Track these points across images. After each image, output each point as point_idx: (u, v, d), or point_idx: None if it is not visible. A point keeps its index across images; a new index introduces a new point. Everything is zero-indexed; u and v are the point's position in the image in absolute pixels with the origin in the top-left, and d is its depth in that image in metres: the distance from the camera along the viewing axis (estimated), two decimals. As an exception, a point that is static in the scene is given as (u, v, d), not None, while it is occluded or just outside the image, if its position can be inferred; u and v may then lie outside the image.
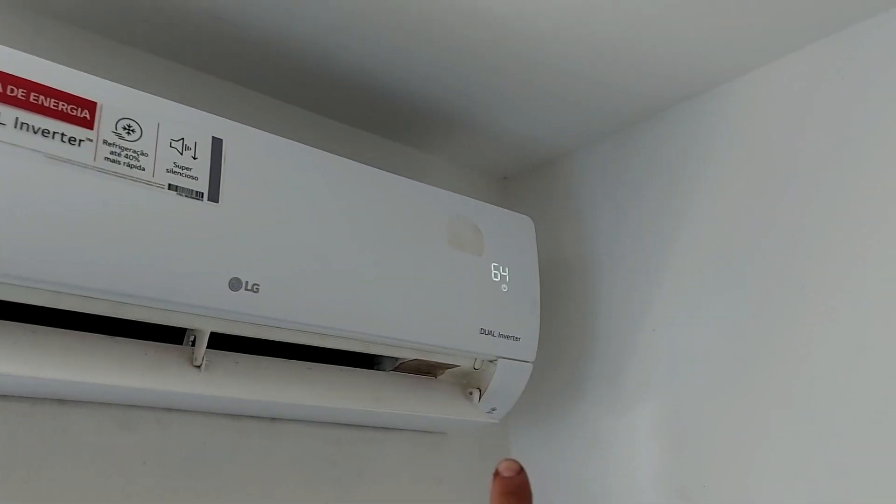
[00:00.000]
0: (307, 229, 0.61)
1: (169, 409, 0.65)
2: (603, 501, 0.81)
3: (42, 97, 0.50)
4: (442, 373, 0.74)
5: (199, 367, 0.58)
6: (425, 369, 0.73)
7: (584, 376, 0.86)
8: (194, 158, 0.56)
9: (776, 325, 0.70)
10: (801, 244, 0.70)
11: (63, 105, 0.51)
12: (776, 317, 0.71)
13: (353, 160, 0.66)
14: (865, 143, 0.68)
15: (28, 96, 0.50)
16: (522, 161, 0.98)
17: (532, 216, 0.80)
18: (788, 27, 0.71)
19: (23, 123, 0.49)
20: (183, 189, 0.55)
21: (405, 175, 0.70)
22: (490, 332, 0.71)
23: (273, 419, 0.72)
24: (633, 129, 0.88)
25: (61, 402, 0.60)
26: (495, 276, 0.73)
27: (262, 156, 0.60)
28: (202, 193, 0.56)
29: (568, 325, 0.89)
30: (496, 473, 0.38)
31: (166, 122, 0.56)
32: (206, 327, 0.57)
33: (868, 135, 0.68)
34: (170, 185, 0.54)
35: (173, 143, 0.56)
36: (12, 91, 0.49)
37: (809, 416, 0.67)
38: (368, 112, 0.85)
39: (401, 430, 0.80)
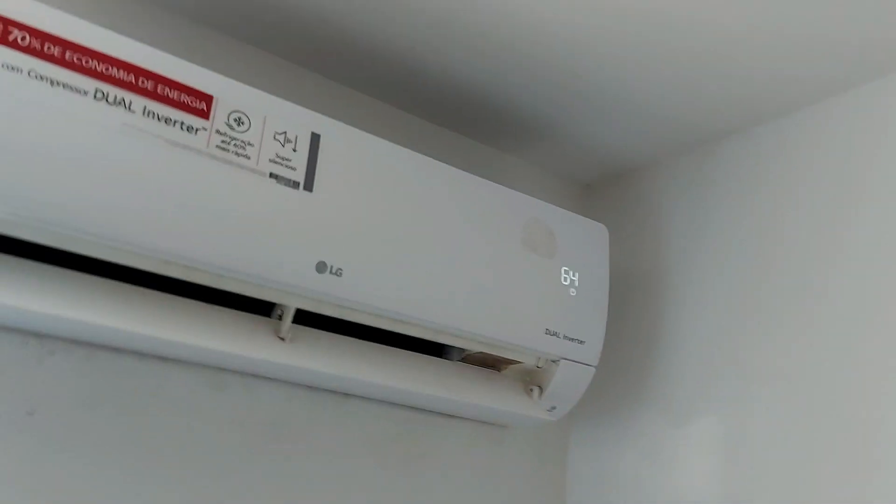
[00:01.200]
0: (391, 222, 0.66)
1: (255, 376, 0.72)
2: (655, 508, 0.83)
3: (167, 89, 0.57)
4: (506, 368, 0.77)
5: (283, 339, 0.64)
6: (490, 363, 0.77)
7: (647, 385, 0.88)
8: (294, 151, 0.62)
9: (845, 350, 0.71)
10: (878, 274, 0.70)
11: (184, 97, 0.58)
12: (846, 341, 0.71)
13: (439, 160, 0.71)
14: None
15: (155, 87, 0.57)
16: (605, 169, 1.01)
17: (610, 225, 0.82)
18: (886, 46, 0.71)
19: (149, 111, 0.56)
20: (282, 178, 0.61)
21: (488, 176, 0.74)
22: (555, 333, 0.74)
23: (347, 395, 0.77)
24: (716, 144, 0.89)
25: (163, 359, 0.67)
26: (565, 279, 0.76)
27: (354, 152, 0.66)
28: (299, 183, 0.62)
29: (634, 333, 0.91)
30: None
31: (272, 116, 0.62)
32: (292, 304, 0.63)
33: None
34: (271, 173, 0.61)
35: (277, 136, 0.62)
36: (143, 82, 0.56)
37: (870, 440, 0.67)
38: (457, 113, 0.90)
39: (464, 419, 0.85)
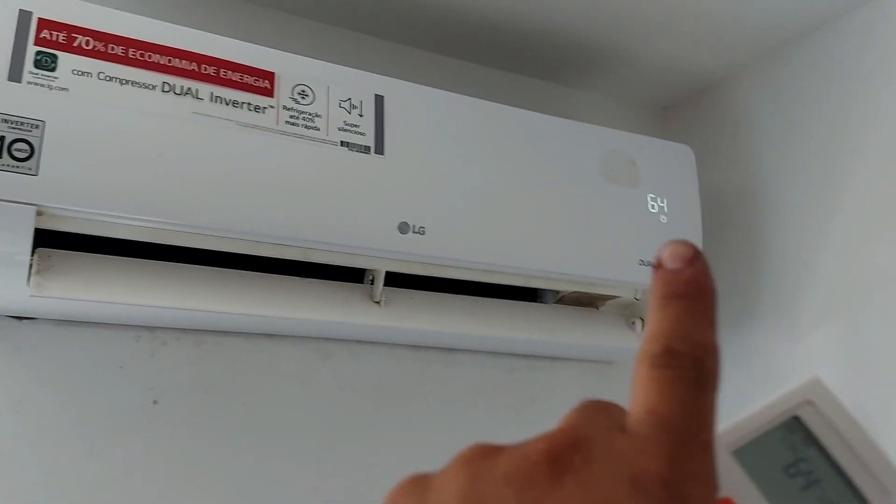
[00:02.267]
0: (466, 173, 0.65)
1: (358, 342, 0.73)
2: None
3: (229, 72, 0.58)
4: (603, 304, 0.76)
5: (378, 303, 0.65)
6: (586, 301, 0.76)
7: (754, 305, 0.85)
8: (360, 116, 0.62)
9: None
10: None
11: (247, 77, 0.58)
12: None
13: (506, 104, 0.70)
14: None
15: (218, 72, 0.58)
16: (682, 89, 0.96)
17: (695, 145, 0.79)
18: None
19: (216, 97, 0.57)
20: (353, 145, 0.61)
21: (561, 115, 0.72)
22: (649, 263, 0.72)
23: (450, 350, 0.78)
24: (800, 42, 0.84)
25: (269, 336, 0.70)
26: (653, 207, 0.74)
27: (419, 108, 0.65)
28: (369, 147, 0.62)
29: (735, 254, 0.88)
30: (657, 265, 0.24)
31: (334, 84, 0.62)
32: (381, 267, 0.64)
33: None
34: (342, 142, 0.61)
35: (342, 104, 0.62)
36: (205, 69, 0.57)
37: None
38: (519, 54, 0.87)
39: (569, 359, 0.84)
